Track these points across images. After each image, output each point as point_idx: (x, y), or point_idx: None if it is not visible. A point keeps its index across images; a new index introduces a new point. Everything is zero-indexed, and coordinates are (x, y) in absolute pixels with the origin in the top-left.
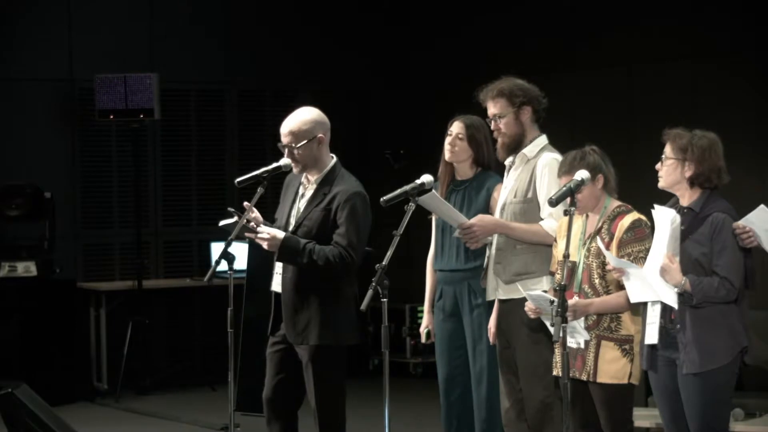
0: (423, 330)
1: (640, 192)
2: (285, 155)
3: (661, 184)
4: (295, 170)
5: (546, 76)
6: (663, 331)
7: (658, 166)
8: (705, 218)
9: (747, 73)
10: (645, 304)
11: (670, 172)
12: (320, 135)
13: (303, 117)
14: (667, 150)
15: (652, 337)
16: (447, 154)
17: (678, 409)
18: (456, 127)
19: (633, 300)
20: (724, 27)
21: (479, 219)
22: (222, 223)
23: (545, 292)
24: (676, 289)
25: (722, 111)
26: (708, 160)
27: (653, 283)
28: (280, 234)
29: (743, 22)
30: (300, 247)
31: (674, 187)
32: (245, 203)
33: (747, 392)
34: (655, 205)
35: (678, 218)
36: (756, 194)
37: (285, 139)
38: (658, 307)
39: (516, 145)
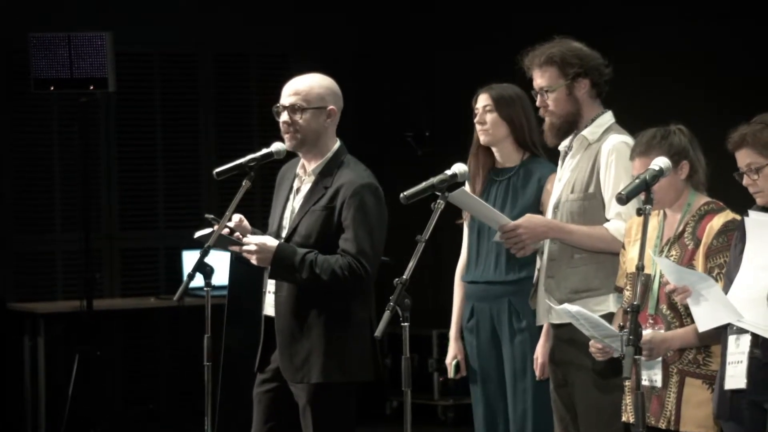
0: (450, 361)
1: (734, 189)
2: (281, 120)
3: (763, 200)
4: (287, 145)
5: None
6: (755, 364)
7: (746, 181)
8: None
9: None
10: (724, 335)
11: None
12: (332, 107)
13: (317, 80)
14: (749, 156)
15: (738, 380)
16: (481, 136)
17: None
18: (482, 99)
19: (702, 328)
20: None
21: (527, 219)
22: (198, 234)
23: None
24: None
25: None
26: None
27: (756, 312)
28: (272, 242)
29: None
30: (298, 260)
31: None
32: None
33: None
34: (750, 212)
35: None
36: None
37: (289, 99)
38: (745, 341)
39: (567, 127)
